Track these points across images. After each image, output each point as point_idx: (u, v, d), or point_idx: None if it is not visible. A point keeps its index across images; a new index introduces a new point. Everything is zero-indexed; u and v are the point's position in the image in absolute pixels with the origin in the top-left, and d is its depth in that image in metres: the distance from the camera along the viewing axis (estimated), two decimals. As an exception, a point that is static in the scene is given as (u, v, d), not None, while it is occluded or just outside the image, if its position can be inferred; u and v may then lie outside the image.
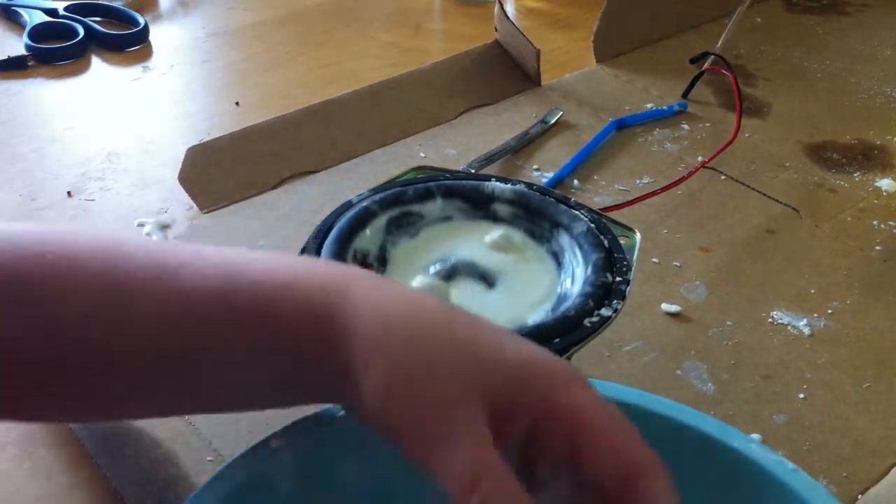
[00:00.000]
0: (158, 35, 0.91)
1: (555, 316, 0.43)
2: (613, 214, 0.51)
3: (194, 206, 0.66)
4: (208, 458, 0.46)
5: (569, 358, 0.42)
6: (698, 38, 0.89)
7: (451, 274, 0.47)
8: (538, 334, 0.41)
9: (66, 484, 0.46)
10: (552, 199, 0.50)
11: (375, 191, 0.50)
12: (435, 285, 0.46)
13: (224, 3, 0.98)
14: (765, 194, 0.69)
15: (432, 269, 0.47)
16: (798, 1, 1.01)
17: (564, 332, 0.42)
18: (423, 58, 0.84)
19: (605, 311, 0.43)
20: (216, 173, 0.67)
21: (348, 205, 0.49)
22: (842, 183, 0.71)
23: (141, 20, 0.90)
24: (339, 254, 0.46)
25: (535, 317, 0.44)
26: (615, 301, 0.43)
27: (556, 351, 0.41)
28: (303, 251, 0.46)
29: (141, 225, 0.64)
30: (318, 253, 0.46)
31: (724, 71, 0.79)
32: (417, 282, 0.46)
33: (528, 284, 0.47)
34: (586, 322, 0.42)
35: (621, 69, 0.85)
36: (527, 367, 0.32)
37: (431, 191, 0.50)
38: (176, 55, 0.88)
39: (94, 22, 0.90)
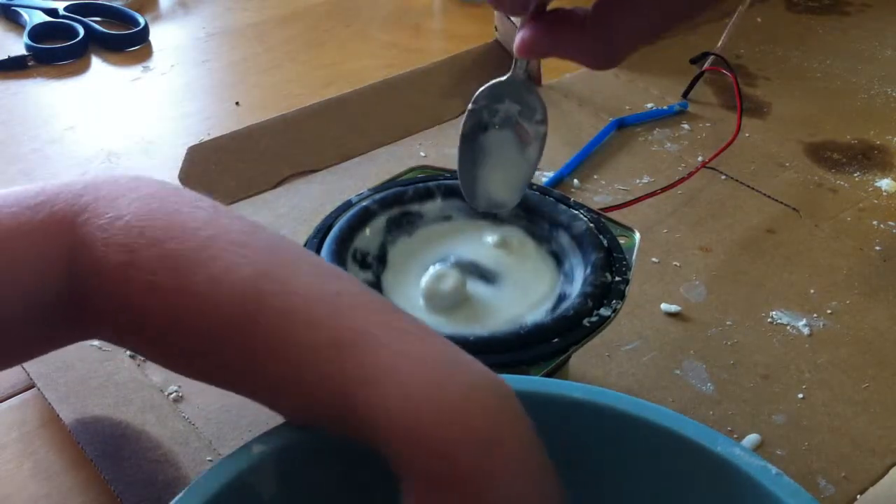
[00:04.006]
0: (158, 35, 0.91)
1: (554, 316, 0.43)
2: (614, 214, 0.51)
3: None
4: (208, 459, 0.46)
5: (568, 357, 0.42)
6: (699, 38, 0.89)
7: (450, 274, 0.47)
8: (537, 334, 0.41)
9: (65, 485, 0.46)
10: (552, 199, 0.50)
11: (375, 190, 0.50)
12: (448, 271, 0.46)
13: (224, 3, 0.99)
14: (765, 194, 0.69)
15: (432, 269, 0.47)
16: (799, 1, 1.01)
17: (563, 332, 0.42)
18: (423, 58, 0.84)
19: (604, 311, 0.43)
20: (217, 172, 0.67)
21: (348, 204, 0.49)
22: (842, 183, 0.71)
23: (141, 20, 0.90)
24: (339, 253, 0.46)
25: (534, 316, 0.44)
26: (614, 301, 0.43)
27: (555, 350, 0.41)
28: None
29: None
30: (317, 252, 0.46)
31: (724, 71, 0.79)
32: (434, 270, 0.46)
33: (527, 284, 0.47)
34: (585, 322, 0.42)
35: (622, 69, 0.85)
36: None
37: (431, 190, 0.50)
38: (176, 55, 0.88)
39: (94, 22, 0.90)
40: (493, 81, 0.45)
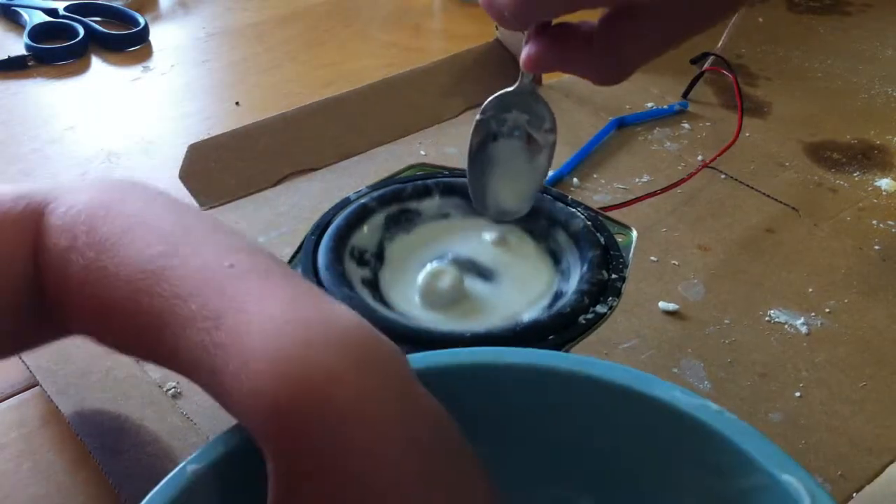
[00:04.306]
0: (158, 35, 0.91)
1: (550, 313, 0.43)
2: (613, 213, 0.51)
3: (194, 205, 0.66)
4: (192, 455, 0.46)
5: (564, 354, 0.42)
6: (700, 38, 0.88)
7: (447, 271, 0.47)
8: (533, 331, 0.41)
9: (66, 484, 0.46)
10: (549, 197, 0.50)
11: (373, 187, 0.50)
12: (445, 268, 0.46)
13: (224, 3, 0.99)
14: (764, 193, 0.69)
15: (429, 266, 0.47)
16: (800, 1, 1.01)
17: (559, 329, 0.42)
18: (423, 58, 0.84)
19: (600, 308, 0.43)
20: (217, 170, 0.67)
21: (346, 201, 0.49)
22: (841, 182, 0.71)
23: (141, 20, 0.90)
24: (336, 250, 0.46)
25: (530, 314, 0.44)
26: (610, 298, 0.43)
27: (551, 347, 0.41)
28: (299, 248, 0.47)
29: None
30: (315, 249, 0.46)
31: (724, 71, 0.79)
32: (431, 267, 0.46)
33: (524, 282, 0.47)
34: (581, 319, 0.42)
35: (622, 69, 0.85)
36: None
37: (430, 188, 0.50)
38: (176, 55, 0.88)
39: (94, 22, 0.90)
40: (501, 92, 0.46)
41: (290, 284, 0.34)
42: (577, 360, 0.35)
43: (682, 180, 0.67)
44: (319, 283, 0.44)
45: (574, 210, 0.49)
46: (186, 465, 0.32)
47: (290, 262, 0.46)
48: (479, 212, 0.48)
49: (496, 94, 0.46)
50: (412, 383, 0.32)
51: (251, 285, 0.33)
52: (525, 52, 0.41)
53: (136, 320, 0.34)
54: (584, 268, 0.45)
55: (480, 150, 0.47)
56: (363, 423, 0.29)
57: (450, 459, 0.32)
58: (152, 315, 0.34)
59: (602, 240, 0.47)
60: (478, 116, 0.46)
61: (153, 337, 0.34)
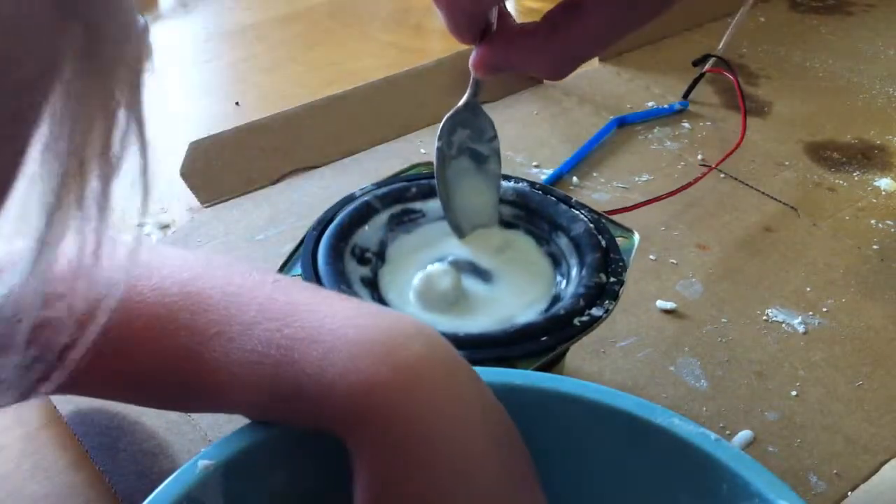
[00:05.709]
0: (158, 35, 0.91)
1: (545, 315, 0.43)
2: (615, 214, 0.51)
3: (194, 205, 0.66)
4: (203, 450, 0.46)
5: (558, 355, 0.42)
6: (701, 37, 0.89)
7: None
8: (527, 332, 0.42)
9: (66, 484, 0.46)
10: (553, 199, 0.49)
11: (379, 185, 0.50)
12: (445, 270, 0.46)
13: (224, 3, 0.99)
14: (764, 193, 0.69)
15: (428, 268, 0.47)
16: (802, 1, 1.01)
17: (554, 331, 0.42)
18: (423, 58, 0.84)
19: (595, 311, 0.43)
20: (218, 168, 0.68)
21: (350, 198, 0.49)
22: (841, 182, 0.71)
23: (141, 20, 0.91)
24: (336, 248, 0.46)
25: (527, 316, 0.44)
26: (607, 301, 0.43)
27: (544, 348, 0.41)
28: (300, 244, 0.47)
29: (141, 225, 0.64)
30: (315, 245, 0.46)
31: (725, 72, 0.79)
32: (430, 268, 0.46)
33: (524, 284, 0.47)
34: (576, 321, 0.42)
35: (623, 67, 0.85)
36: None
37: (434, 188, 0.50)
38: (176, 55, 0.88)
39: (96, 21, 0.90)
40: (448, 114, 0.46)
41: (337, 294, 0.37)
42: (580, 384, 0.36)
43: (689, 184, 0.67)
44: (318, 279, 0.44)
45: (577, 213, 0.48)
46: (198, 460, 0.33)
47: (289, 257, 0.46)
48: (456, 234, 0.49)
49: (445, 118, 0.47)
50: (480, 378, 0.34)
51: (304, 294, 0.35)
52: (473, 57, 0.42)
53: (168, 342, 0.35)
54: (584, 271, 0.45)
55: (441, 176, 0.48)
56: (451, 400, 0.32)
57: (516, 457, 0.34)
58: (193, 330, 0.34)
59: (604, 243, 0.47)
60: (437, 144, 0.47)
61: (188, 356, 0.35)
